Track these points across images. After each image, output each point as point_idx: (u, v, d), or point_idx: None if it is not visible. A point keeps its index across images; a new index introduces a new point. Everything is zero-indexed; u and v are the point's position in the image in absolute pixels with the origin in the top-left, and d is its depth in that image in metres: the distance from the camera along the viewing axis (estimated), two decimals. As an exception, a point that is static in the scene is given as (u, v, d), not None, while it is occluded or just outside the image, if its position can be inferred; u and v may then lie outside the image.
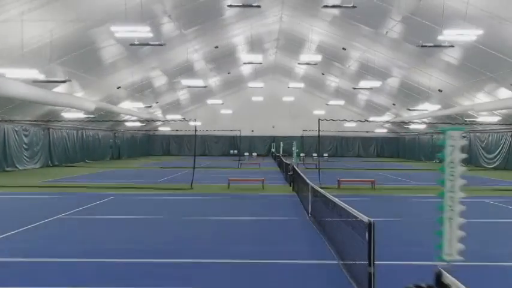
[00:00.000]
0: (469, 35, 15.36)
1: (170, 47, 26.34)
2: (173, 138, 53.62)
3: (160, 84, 34.99)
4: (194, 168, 17.79)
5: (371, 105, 44.51)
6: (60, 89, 24.71)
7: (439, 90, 29.57)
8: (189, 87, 33.15)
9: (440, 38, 15.58)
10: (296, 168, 15.16)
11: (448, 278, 3.76)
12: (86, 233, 9.06)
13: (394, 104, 40.67)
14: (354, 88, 32.79)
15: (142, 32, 15.37)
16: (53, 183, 18.77)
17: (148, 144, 53.48)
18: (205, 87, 32.36)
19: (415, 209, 12.89)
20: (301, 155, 45.31)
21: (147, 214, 11.33)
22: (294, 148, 19.37)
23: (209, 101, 39.98)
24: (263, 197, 14.83)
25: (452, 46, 17.31)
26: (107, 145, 41.20)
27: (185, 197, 14.80)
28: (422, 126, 41.63)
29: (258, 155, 49.42)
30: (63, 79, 18.23)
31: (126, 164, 34.26)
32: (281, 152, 36.22)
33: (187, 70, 31.57)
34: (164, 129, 48.85)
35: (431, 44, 17.56)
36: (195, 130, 17.15)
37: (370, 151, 53.97)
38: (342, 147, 53.64)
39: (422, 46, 17.62)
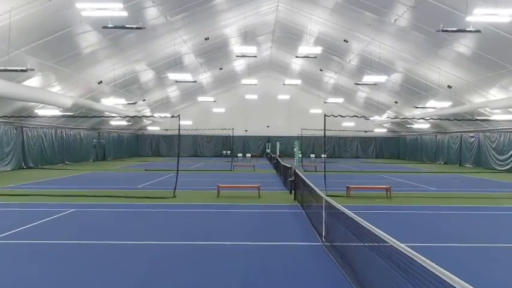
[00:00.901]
0: (503, 15, 12.93)
1: (155, 35, 23.78)
2: (163, 138, 50.95)
3: (146, 79, 32.32)
4: (178, 171, 15.15)
5: (371, 104, 42.11)
6: (32, 82, 22.01)
7: (449, 86, 27.23)
8: (176, 82, 30.46)
9: (469, 19, 13.15)
10: (299, 174, 12.56)
11: None
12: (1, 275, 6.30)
13: (396, 102, 38.33)
14: (357, 84, 30.36)
15: (115, 9, 12.80)
16: (10, 190, 16.02)
17: (136, 144, 50.71)
18: (194, 82, 29.73)
19: (456, 226, 10.16)
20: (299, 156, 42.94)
21: (108, 237, 8.62)
22: (296, 149, 16.61)
23: (200, 99, 37.36)
24: (260, 209, 12.25)
25: (478, 31, 14.91)
26: (90, 145, 38.41)
27: (165, 209, 12.18)
28: (426, 126, 39.42)
29: (252, 156, 46.89)
30: (23, 68, 15.40)
31: (110, 166, 31.53)
32: (277, 153, 33.65)
33: (176, 64, 28.88)
34: (153, 128, 46.21)
35: (454, 29, 15.14)
36: (179, 129, 14.54)
37: (369, 152, 51.73)
38: (339, 148, 51.29)
39: (444, 31, 15.19)
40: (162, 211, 11.85)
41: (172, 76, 26.14)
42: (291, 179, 14.04)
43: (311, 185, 9.46)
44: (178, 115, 14.48)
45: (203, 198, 14.17)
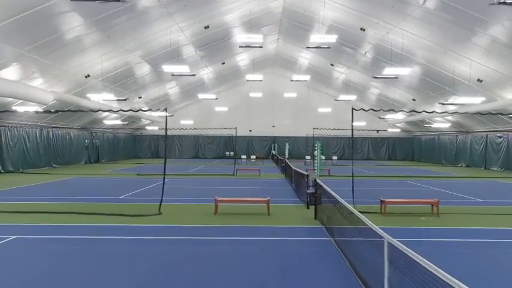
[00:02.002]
0: None
1: (147, 20, 20.72)
2: (162, 139, 47.90)
3: (141, 73, 29.25)
4: (164, 178, 12.04)
5: (385, 102, 38.83)
6: (5, 74, 19.01)
7: (479, 80, 23.95)
8: (173, 75, 27.40)
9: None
10: (325, 187, 9.23)
11: None
12: None
13: (414, 100, 35.07)
14: (375, 77, 27.20)
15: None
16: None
17: (134, 145, 47.74)
18: (193, 75, 26.74)
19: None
20: (307, 157, 39.77)
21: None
22: (317, 152, 13.29)
23: (201, 96, 34.33)
24: (271, 235, 9.02)
25: (546, 2, 11.78)
26: (82, 146, 35.43)
27: (141, 235, 8.97)
28: (446, 125, 36.25)
29: (256, 158, 43.73)
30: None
31: (100, 170, 28.48)
32: (286, 155, 30.47)
33: (173, 57, 25.82)
34: (152, 128, 43.18)
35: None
36: (166, 126, 11.44)
37: (381, 153, 48.53)
38: (349, 149, 48.05)
39: (501, 3, 12.04)
40: (136, 240, 8.61)
41: (167, 68, 23.07)
42: (309, 191, 10.90)
43: (358, 214, 6.16)
44: (165, 108, 11.42)
45: (196, 216, 11.01)
